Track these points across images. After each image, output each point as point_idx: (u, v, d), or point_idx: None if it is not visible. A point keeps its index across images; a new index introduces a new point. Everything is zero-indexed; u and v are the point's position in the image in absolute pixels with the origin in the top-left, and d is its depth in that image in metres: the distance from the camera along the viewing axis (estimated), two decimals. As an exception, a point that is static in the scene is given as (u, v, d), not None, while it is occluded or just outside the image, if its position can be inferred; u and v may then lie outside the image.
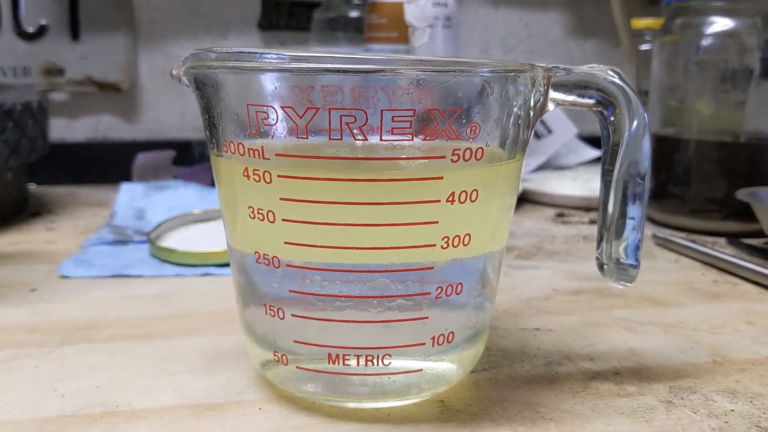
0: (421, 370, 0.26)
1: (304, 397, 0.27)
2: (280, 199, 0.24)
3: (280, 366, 0.27)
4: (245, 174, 0.25)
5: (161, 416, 0.26)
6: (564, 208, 0.63)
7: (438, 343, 0.26)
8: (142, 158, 0.64)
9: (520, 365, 0.31)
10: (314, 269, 0.24)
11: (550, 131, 0.67)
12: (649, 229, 0.55)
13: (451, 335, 0.26)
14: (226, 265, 0.44)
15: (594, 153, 0.70)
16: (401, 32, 0.59)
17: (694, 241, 0.50)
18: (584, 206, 0.63)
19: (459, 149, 0.24)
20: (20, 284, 0.41)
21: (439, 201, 0.24)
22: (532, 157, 0.67)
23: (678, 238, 0.51)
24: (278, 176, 0.24)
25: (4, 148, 0.52)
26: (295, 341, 0.26)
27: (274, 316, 0.26)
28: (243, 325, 0.28)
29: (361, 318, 0.25)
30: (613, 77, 0.27)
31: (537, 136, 0.67)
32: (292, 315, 0.25)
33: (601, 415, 0.27)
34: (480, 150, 0.24)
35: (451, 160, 0.24)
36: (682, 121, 0.57)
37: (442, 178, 0.24)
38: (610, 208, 0.29)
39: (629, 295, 0.41)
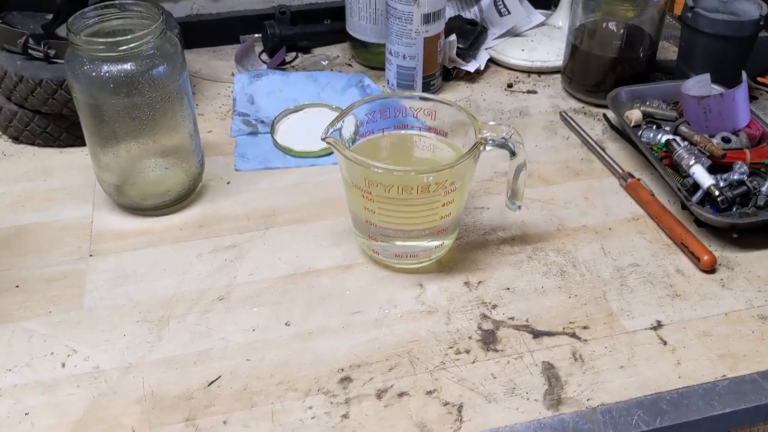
0: (430, 248, 0.66)
1: (381, 260, 0.67)
2: (378, 206, 0.62)
3: (371, 241, 0.66)
4: (362, 196, 0.62)
5: (328, 273, 0.67)
6: (515, 73, 0.96)
7: (440, 244, 0.66)
8: (239, 48, 0.95)
9: (472, 235, 0.71)
10: (390, 229, 0.63)
11: (509, 12, 0.97)
12: (563, 103, 0.91)
13: (444, 242, 0.66)
14: (327, 155, 0.80)
15: (540, 18, 1.00)
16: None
17: (578, 124, 0.86)
18: (527, 71, 0.96)
19: (446, 188, 0.61)
20: (218, 177, 0.78)
21: (438, 205, 0.62)
22: (496, 28, 0.98)
23: (571, 117, 0.87)
24: (377, 200, 0.61)
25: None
26: (378, 234, 0.66)
27: (370, 228, 0.65)
28: (352, 221, 0.67)
29: (406, 240, 0.64)
30: (517, 139, 0.63)
31: (500, 14, 0.98)
32: (379, 226, 0.65)
33: (501, 265, 0.68)
34: (454, 185, 0.61)
35: (443, 192, 0.61)
36: (592, 39, 0.88)
37: (440, 198, 0.61)
38: (510, 182, 0.66)
39: (534, 177, 0.78)
